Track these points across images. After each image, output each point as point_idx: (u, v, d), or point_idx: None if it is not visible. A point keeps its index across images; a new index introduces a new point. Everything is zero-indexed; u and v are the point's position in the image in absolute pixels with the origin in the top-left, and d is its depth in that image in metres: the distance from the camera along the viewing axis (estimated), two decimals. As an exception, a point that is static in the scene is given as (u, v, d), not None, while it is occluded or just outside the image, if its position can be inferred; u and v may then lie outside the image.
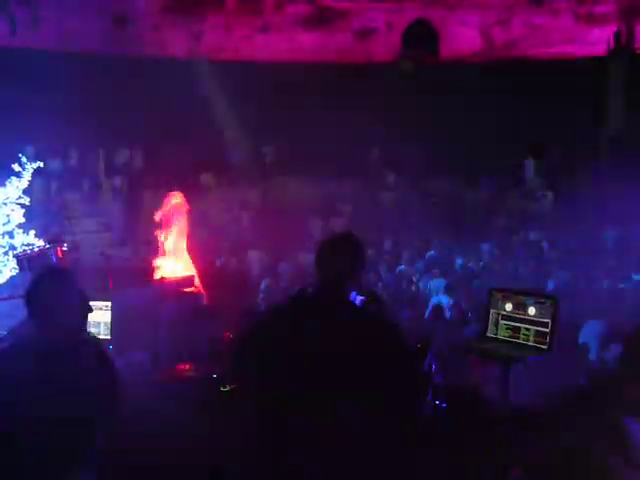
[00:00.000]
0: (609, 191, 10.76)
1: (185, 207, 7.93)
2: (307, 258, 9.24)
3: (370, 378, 2.73)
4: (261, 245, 10.64)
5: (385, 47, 16.00)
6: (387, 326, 2.90)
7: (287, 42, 15.65)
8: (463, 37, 15.82)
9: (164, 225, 7.82)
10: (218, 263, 10.24)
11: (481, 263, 9.55)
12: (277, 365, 2.85)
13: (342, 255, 2.92)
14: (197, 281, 7.59)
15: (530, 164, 12.83)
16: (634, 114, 12.94)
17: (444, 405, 3.85)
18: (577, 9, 15.48)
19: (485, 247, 9.99)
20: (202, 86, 13.80)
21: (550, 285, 7.83)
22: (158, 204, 8.05)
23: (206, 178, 13.39)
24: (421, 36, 15.79)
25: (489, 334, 3.95)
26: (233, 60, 14.63)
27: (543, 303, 3.77)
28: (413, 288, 8.67)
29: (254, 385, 2.96)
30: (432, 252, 10.02)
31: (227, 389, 4.37)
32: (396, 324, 3.02)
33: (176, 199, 7.94)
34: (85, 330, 3.18)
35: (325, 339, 2.78)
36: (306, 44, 15.89)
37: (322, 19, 15.95)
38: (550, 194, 12.05)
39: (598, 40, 14.84)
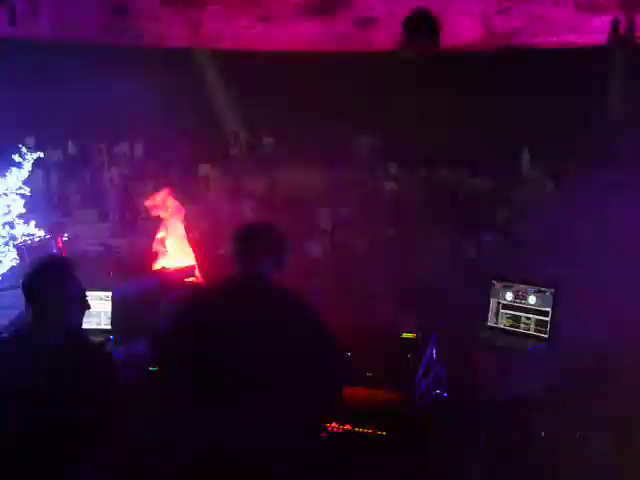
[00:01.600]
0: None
1: (180, 201, 7.93)
2: (313, 247, 9.30)
3: (292, 359, 2.86)
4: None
5: (386, 36, 15.94)
6: (304, 309, 3.01)
7: (288, 32, 15.59)
8: (464, 26, 15.75)
9: (162, 217, 7.83)
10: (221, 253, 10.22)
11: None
12: (208, 347, 2.94)
13: (263, 244, 3.06)
14: (197, 271, 7.59)
15: (528, 153, 12.79)
16: (635, 104, 12.92)
17: (445, 395, 3.85)
18: (578, -2, 15.41)
19: (486, 237, 9.98)
20: (202, 76, 13.76)
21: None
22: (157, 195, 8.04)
23: (206, 168, 13.37)
24: (422, 25, 15.73)
25: (490, 323, 3.95)
26: (233, 50, 14.57)
27: (544, 292, 3.77)
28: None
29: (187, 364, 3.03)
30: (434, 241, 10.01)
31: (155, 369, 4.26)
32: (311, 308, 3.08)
33: (170, 193, 7.95)
34: (82, 328, 3.16)
35: (254, 323, 2.90)
36: (307, 33, 15.83)
37: (323, 8, 15.89)
38: (550, 183, 12.02)
39: (599, 29, 14.76)
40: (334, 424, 3.71)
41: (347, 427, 3.74)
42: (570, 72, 12.84)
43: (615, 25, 14.58)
